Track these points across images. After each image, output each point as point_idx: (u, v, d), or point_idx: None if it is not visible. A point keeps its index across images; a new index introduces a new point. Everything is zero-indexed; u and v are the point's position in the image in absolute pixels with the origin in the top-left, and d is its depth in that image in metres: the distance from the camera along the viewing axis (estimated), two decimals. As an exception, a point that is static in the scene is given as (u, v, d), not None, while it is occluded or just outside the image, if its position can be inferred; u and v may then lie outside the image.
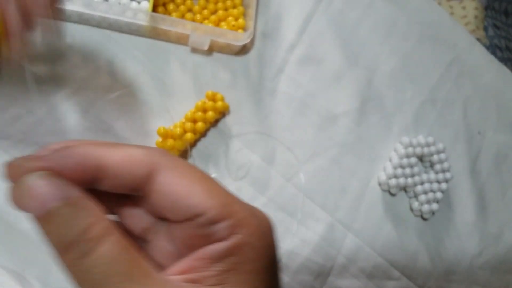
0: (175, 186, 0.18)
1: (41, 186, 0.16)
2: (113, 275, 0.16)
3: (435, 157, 0.44)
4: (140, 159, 0.18)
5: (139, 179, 0.18)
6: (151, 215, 0.20)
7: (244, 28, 0.42)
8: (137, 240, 0.20)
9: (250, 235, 0.18)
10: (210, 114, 0.39)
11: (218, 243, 0.18)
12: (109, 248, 0.16)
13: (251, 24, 0.41)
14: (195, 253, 0.18)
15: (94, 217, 0.16)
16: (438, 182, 0.43)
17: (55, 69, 0.37)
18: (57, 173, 0.17)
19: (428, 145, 0.44)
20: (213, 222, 0.18)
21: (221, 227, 0.18)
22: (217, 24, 0.42)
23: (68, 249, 0.16)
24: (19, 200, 0.16)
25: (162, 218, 0.20)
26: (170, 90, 0.40)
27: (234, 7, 0.43)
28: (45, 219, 0.16)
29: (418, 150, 0.43)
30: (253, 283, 0.18)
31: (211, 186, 0.18)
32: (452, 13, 0.67)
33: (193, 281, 0.17)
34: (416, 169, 0.43)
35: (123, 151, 0.18)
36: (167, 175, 0.18)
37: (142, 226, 0.20)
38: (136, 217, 0.21)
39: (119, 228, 0.17)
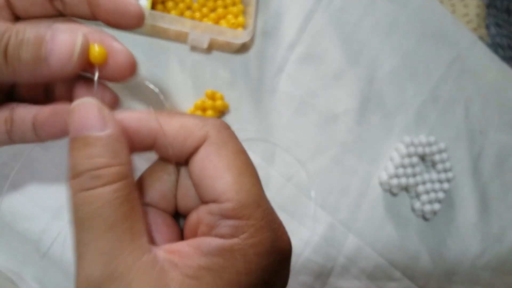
0: (209, 163, 0.18)
1: (84, 110, 0.17)
2: (99, 218, 0.16)
3: (436, 157, 0.43)
4: (193, 130, 0.18)
5: (190, 149, 0.18)
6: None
7: (243, 26, 0.42)
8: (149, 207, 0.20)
9: (251, 247, 0.17)
10: (209, 113, 0.39)
11: (215, 239, 0.17)
12: (109, 193, 0.16)
13: (251, 22, 0.41)
14: (190, 240, 0.18)
15: (113, 158, 0.17)
16: (440, 181, 0.43)
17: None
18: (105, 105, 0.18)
19: (429, 144, 0.43)
20: (225, 216, 0.17)
21: (228, 224, 0.17)
22: (217, 22, 0.42)
23: (75, 177, 0.16)
24: (70, 124, 0.17)
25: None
26: (169, 88, 0.39)
27: (234, 5, 0.43)
28: (73, 142, 0.17)
29: (420, 149, 0.43)
30: None
31: (243, 179, 0.18)
32: (453, 11, 0.67)
33: (173, 264, 0.17)
34: (417, 169, 0.42)
35: (179, 121, 0.18)
36: (210, 151, 0.18)
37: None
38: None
39: (136, 187, 0.17)
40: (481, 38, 0.55)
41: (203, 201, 0.18)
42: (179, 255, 0.17)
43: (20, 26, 0.19)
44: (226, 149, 0.18)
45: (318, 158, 0.41)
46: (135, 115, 0.19)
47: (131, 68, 0.22)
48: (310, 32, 0.45)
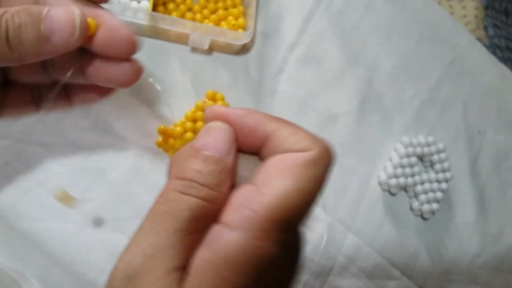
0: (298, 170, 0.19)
1: (220, 134, 0.19)
2: (174, 217, 0.17)
3: (435, 157, 0.44)
4: (303, 139, 0.20)
5: (294, 151, 0.19)
6: None
7: (244, 28, 0.42)
8: None
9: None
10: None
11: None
12: (196, 203, 0.17)
13: (251, 23, 0.41)
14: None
15: (214, 185, 0.18)
16: (438, 181, 0.43)
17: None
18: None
19: (428, 144, 0.44)
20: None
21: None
22: (217, 23, 0.42)
23: (179, 179, 0.18)
24: (202, 136, 0.19)
25: None
26: (170, 89, 0.40)
27: (234, 6, 0.43)
28: (195, 151, 0.19)
29: (418, 149, 0.43)
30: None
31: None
32: (452, 13, 0.67)
33: None
34: (416, 169, 0.43)
35: (292, 129, 0.20)
36: (307, 159, 0.19)
37: None
38: None
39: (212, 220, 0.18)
40: (479, 39, 0.55)
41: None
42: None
43: (14, 10, 0.20)
44: (318, 169, 0.20)
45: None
46: (254, 115, 0.20)
47: (131, 43, 0.23)
48: (310, 33, 0.45)
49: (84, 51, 0.24)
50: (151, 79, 0.27)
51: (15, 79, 0.25)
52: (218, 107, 0.20)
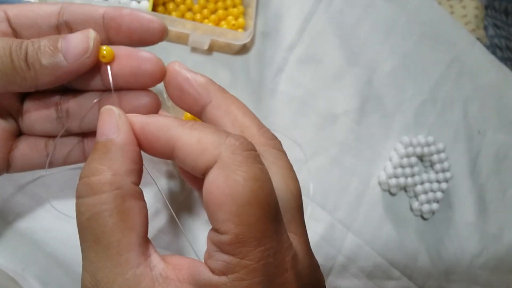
0: (217, 190, 0.16)
1: (102, 117, 0.18)
2: (87, 230, 0.16)
3: (435, 157, 0.44)
4: (209, 147, 0.17)
5: (202, 168, 0.17)
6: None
7: (244, 28, 0.42)
8: None
9: None
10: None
11: (207, 271, 0.17)
12: (96, 205, 0.16)
13: (251, 23, 0.41)
14: (193, 261, 0.18)
15: (107, 166, 0.17)
16: (438, 181, 0.43)
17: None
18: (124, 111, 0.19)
19: (428, 144, 0.44)
20: (221, 248, 0.16)
21: (221, 258, 0.16)
22: (217, 23, 0.42)
23: (80, 179, 0.17)
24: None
25: None
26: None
27: (234, 6, 0.43)
28: (94, 150, 0.18)
29: (418, 149, 0.43)
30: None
31: (252, 213, 0.16)
32: (452, 13, 0.67)
33: (166, 279, 0.17)
34: (416, 169, 0.43)
35: (198, 135, 0.17)
36: (218, 174, 0.16)
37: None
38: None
39: (138, 195, 0.17)
40: (479, 39, 0.55)
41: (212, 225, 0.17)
42: (175, 272, 0.17)
43: (34, 38, 0.21)
44: (236, 175, 0.16)
45: (318, 158, 0.42)
46: (157, 122, 0.18)
47: (161, 72, 0.22)
48: (310, 33, 0.45)
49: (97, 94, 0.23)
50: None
51: (28, 129, 0.24)
52: (123, 117, 0.18)
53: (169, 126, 0.18)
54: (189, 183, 0.24)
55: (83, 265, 0.17)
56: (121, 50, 0.22)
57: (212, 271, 0.16)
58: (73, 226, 0.33)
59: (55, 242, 0.32)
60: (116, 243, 0.16)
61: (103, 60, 0.21)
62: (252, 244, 0.16)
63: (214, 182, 0.16)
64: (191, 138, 0.17)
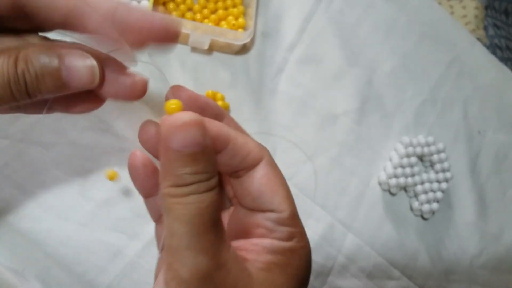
0: (268, 180, 0.21)
1: (190, 128, 0.18)
2: (206, 215, 0.18)
3: (435, 157, 0.44)
4: (254, 148, 0.21)
5: (248, 164, 0.21)
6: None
7: (244, 28, 0.42)
8: None
9: (301, 248, 0.21)
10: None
11: (277, 241, 0.21)
12: (213, 195, 0.18)
13: (251, 23, 0.41)
14: (252, 239, 0.21)
15: (214, 171, 0.19)
16: (438, 181, 0.43)
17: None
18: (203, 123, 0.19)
19: (428, 144, 0.44)
20: (281, 223, 0.21)
21: (284, 230, 0.21)
22: (217, 23, 0.42)
23: (181, 186, 0.18)
24: (167, 129, 0.18)
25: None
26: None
27: (234, 6, 0.43)
28: (177, 154, 0.18)
29: (418, 149, 0.43)
30: (291, 284, 0.20)
31: (290, 195, 0.22)
32: (452, 13, 0.67)
33: (243, 258, 0.20)
34: (416, 169, 0.43)
35: (244, 138, 0.21)
36: (267, 168, 0.21)
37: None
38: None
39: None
40: (479, 39, 0.55)
41: (258, 209, 0.21)
42: (246, 251, 0.20)
43: (28, 56, 0.20)
44: (278, 171, 0.22)
45: (318, 158, 0.42)
46: (216, 123, 0.21)
47: (143, 89, 0.23)
48: (310, 33, 0.45)
49: None
50: (153, 65, 0.27)
51: None
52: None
53: (225, 127, 0.21)
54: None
55: (193, 251, 0.17)
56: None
57: (280, 239, 0.21)
58: (73, 226, 0.33)
59: (55, 242, 0.32)
60: (223, 227, 0.19)
61: (168, 113, 0.20)
62: (297, 217, 0.22)
63: (267, 175, 0.21)
64: (242, 139, 0.21)
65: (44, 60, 0.20)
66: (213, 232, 0.18)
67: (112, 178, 0.34)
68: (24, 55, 0.20)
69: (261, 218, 0.21)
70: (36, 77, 0.20)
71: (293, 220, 0.21)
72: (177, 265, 0.18)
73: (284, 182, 0.22)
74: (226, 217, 0.24)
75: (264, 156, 0.22)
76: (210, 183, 0.18)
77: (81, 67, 0.20)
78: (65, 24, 0.21)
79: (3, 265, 0.31)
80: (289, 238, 0.21)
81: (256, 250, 0.20)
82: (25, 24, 0.21)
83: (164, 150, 0.18)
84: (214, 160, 0.19)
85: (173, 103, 0.20)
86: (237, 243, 0.21)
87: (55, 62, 0.20)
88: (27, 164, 0.33)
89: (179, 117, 0.18)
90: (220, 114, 0.24)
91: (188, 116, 0.18)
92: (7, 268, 0.31)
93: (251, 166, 0.21)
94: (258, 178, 0.21)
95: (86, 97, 0.24)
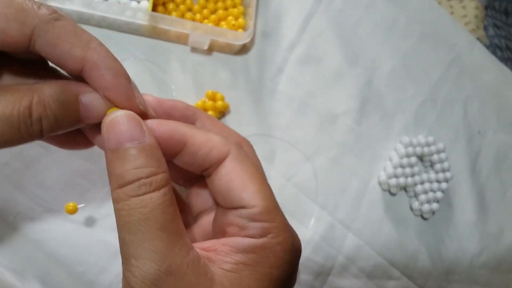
0: (235, 176, 0.20)
1: (123, 123, 0.18)
2: (151, 220, 0.17)
3: (435, 157, 0.44)
4: (218, 143, 0.20)
5: (212, 162, 0.20)
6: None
7: (244, 28, 0.42)
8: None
9: (278, 244, 0.20)
10: (210, 113, 0.39)
11: (247, 238, 0.19)
12: (159, 197, 0.18)
13: (251, 23, 0.41)
14: (221, 239, 0.20)
15: (158, 167, 0.18)
16: (438, 181, 0.43)
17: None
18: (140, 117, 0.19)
19: (428, 144, 0.44)
20: (253, 219, 0.20)
21: (256, 226, 0.20)
22: (217, 23, 0.42)
23: (124, 185, 0.18)
24: (103, 129, 0.18)
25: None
26: (170, 89, 0.40)
27: (234, 6, 0.43)
28: (115, 154, 0.18)
29: (418, 149, 0.43)
30: (261, 285, 0.19)
31: (264, 188, 0.20)
32: (452, 13, 0.67)
33: (210, 260, 0.19)
34: (416, 169, 0.43)
35: (205, 135, 0.20)
36: (233, 163, 0.20)
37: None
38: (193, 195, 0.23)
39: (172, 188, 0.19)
40: (479, 39, 0.55)
41: (229, 207, 0.20)
42: (215, 252, 0.19)
43: (44, 100, 0.19)
44: (247, 164, 0.21)
45: (318, 158, 0.42)
46: (169, 123, 0.20)
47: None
48: (310, 33, 0.45)
49: None
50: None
51: None
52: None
53: (180, 126, 0.20)
54: (177, 184, 0.25)
55: (141, 259, 0.17)
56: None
57: (252, 237, 0.19)
58: (73, 226, 0.33)
59: (55, 242, 0.32)
60: (178, 227, 0.18)
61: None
62: (275, 211, 0.20)
63: (233, 170, 0.20)
64: (202, 137, 0.20)
65: (64, 103, 0.19)
66: (161, 236, 0.17)
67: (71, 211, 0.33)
68: (39, 99, 0.18)
69: (233, 216, 0.20)
70: (55, 120, 0.19)
71: (268, 214, 0.20)
72: (127, 274, 0.17)
73: (256, 175, 0.20)
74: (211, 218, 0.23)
75: (230, 151, 0.20)
76: (155, 180, 0.18)
77: (96, 102, 0.20)
78: (78, 74, 0.20)
79: (3, 265, 0.31)
80: (262, 234, 0.19)
81: (224, 250, 0.19)
82: (34, 56, 0.20)
83: (105, 153, 0.18)
84: (159, 156, 0.18)
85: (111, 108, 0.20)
86: (206, 244, 0.20)
87: (74, 102, 0.19)
88: (27, 164, 0.33)
89: (108, 116, 0.19)
90: (191, 115, 0.23)
91: (119, 113, 0.18)
92: (7, 268, 0.31)
93: (217, 162, 0.20)
94: (224, 174, 0.20)
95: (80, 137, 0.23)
